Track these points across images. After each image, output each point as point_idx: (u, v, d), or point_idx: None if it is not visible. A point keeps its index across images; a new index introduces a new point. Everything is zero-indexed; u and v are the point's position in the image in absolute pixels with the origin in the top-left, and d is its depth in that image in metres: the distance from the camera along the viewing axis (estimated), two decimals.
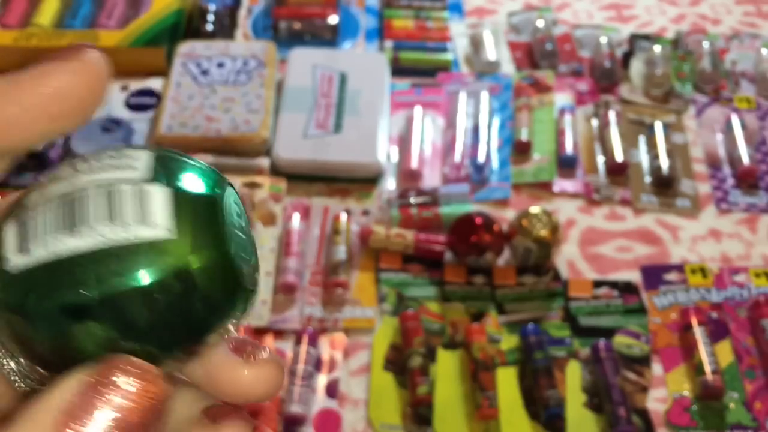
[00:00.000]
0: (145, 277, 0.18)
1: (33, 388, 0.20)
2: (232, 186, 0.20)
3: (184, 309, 0.18)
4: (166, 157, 0.19)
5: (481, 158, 0.78)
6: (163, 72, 0.85)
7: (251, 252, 0.20)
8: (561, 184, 0.78)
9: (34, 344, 0.19)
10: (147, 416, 0.18)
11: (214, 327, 0.19)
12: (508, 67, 0.89)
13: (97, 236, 0.18)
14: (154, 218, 0.18)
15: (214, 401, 0.21)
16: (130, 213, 0.18)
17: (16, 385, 0.20)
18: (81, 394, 0.17)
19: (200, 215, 0.18)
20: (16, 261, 0.18)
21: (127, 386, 0.18)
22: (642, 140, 0.81)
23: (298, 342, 0.66)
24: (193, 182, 0.19)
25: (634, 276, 0.71)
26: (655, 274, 0.71)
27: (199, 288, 0.18)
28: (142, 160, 0.19)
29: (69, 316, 0.18)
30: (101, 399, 0.17)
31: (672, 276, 0.71)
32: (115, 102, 0.84)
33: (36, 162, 0.78)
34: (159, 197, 0.18)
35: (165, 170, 0.19)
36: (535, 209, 0.71)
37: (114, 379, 0.18)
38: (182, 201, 0.18)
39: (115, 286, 0.18)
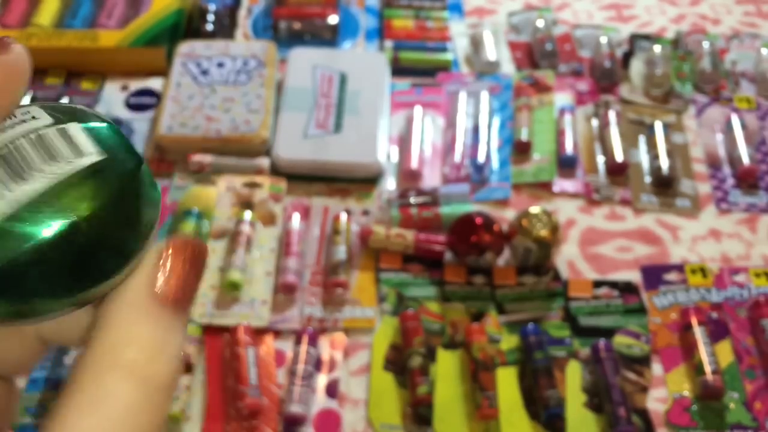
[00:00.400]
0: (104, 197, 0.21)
1: None
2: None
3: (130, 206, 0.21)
4: (53, 106, 0.22)
5: (481, 158, 0.78)
6: (163, 72, 0.85)
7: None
8: (561, 184, 0.78)
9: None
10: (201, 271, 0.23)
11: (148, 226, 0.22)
12: (508, 67, 0.89)
13: (48, 175, 0.20)
14: (86, 148, 0.21)
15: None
16: (65, 150, 0.20)
17: None
18: (160, 263, 0.22)
19: (114, 140, 0.22)
20: None
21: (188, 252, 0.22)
22: (642, 140, 0.81)
23: (298, 342, 0.66)
24: (87, 117, 0.22)
25: (634, 276, 0.71)
26: (655, 274, 0.71)
27: (146, 184, 0.22)
28: (38, 111, 0.21)
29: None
30: (179, 262, 0.22)
31: (672, 276, 0.71)
32: (115, 102, 0.84)
33: None
34: (78, 132, 0.21)
35: (61, 114, 0.21)
36: (535, 209, 0.71)
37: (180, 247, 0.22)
38: (94, 131, 0.21)
39: (90, 208, 0.20)
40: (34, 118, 0.21)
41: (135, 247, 0.21)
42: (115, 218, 0.21)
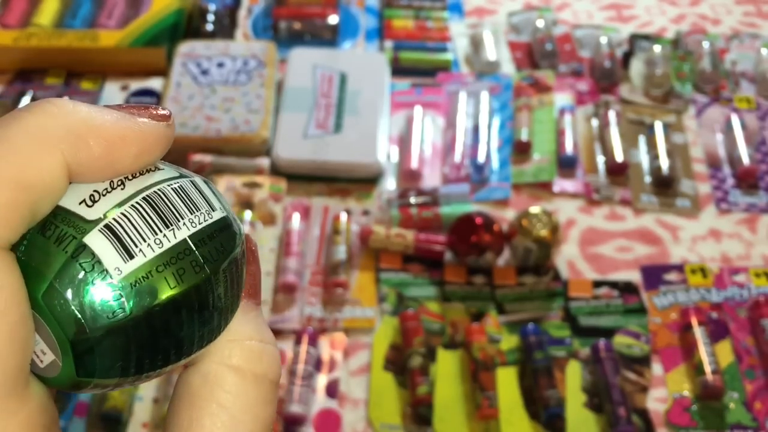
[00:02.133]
0: (238, 246, 0.21)
1: None
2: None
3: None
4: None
5: (481, 158, 0.78)
6: (163, 72, 0.85)
7: None
8: (561, 184, 0.78)
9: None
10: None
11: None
12: (508, 67, 0.89)
13: (191, 225, 0.20)
14: (214, 204, 0.21)
15: None
16: (202, 203, 0.21)
17: None
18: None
19: (221, 198, 0.22)
20: (126, 268, 0.19)
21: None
22: (642, 140, 0.81)
23: (298, 342, 0.66)
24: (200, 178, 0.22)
25: (634, 276, 0.71)
26: (655, 274, 0.71)
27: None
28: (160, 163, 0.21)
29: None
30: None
31: (672, 276, 0.71)
32: (114, 102, 0.84)
33: None
34: (205, 188, 0.21)
35: (174, 168, 0.21)
36: (535, 209, 0.71)
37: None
38: (210, 187, 0.21)
39: (229, 254, 0.21)
40: (158, 168, 0.21)
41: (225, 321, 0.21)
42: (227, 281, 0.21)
